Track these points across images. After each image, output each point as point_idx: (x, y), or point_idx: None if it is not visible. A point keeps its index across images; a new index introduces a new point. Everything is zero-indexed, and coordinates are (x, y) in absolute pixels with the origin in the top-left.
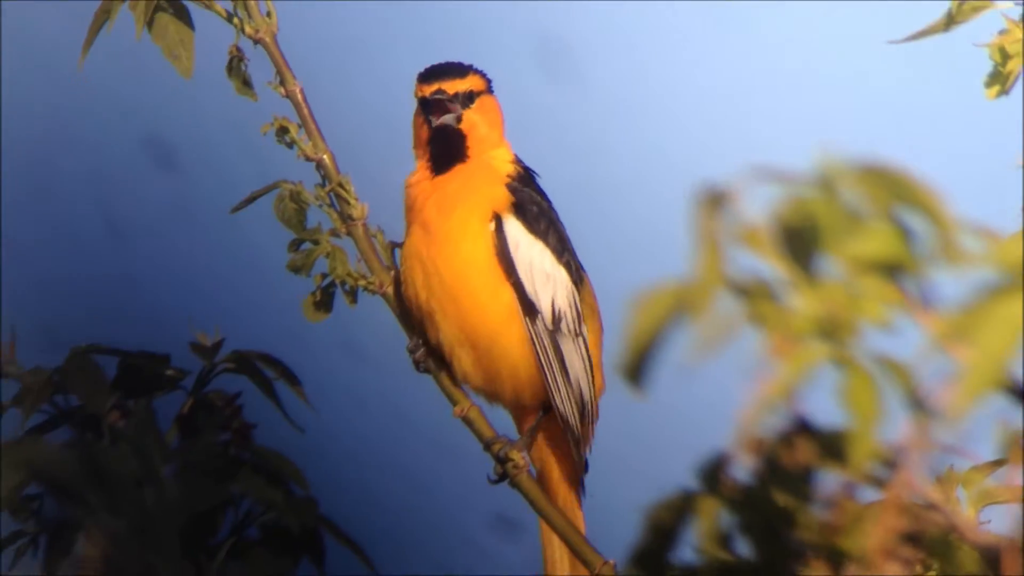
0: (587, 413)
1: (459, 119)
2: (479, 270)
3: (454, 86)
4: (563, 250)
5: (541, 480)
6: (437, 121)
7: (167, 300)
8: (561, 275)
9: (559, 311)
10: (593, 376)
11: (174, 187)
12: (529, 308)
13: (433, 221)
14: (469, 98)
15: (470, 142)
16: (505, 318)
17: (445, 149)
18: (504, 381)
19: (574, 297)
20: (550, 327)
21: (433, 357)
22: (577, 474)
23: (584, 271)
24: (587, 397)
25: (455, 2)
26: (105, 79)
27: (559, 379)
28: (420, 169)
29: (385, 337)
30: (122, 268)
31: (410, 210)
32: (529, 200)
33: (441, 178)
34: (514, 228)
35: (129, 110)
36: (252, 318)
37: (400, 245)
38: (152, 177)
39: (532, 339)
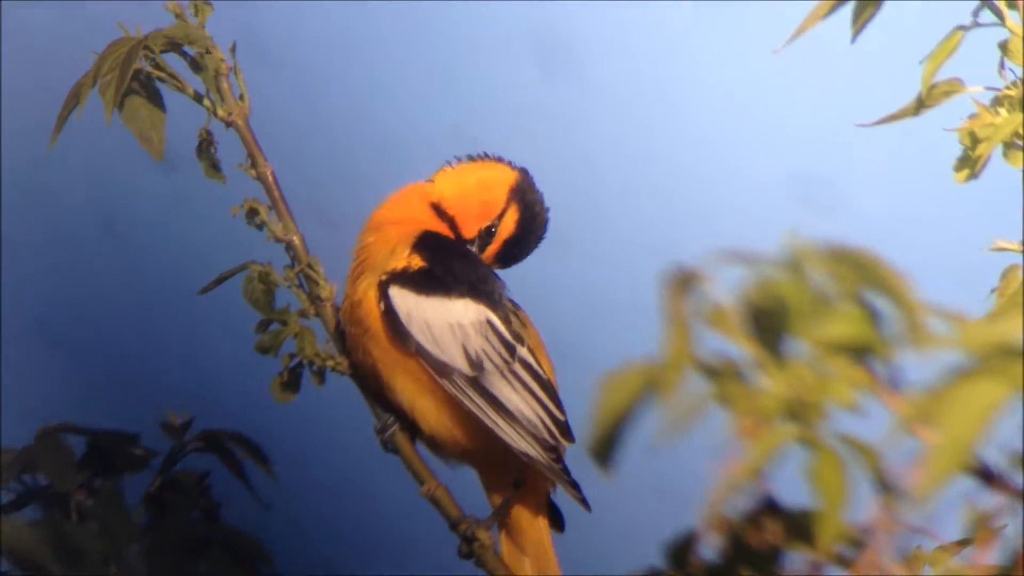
0: (548, 433)
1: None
2: (388, 338)
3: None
4: (462, 281)
5: (510, 532)
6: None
7: (137, 379)
8: (468, 315)
9: (476, 355)
10: (549, 396)
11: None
12: (440, 369)
13: (358, 283)
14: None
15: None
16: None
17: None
18: (461, 432)
19: (491, 329)
20: (471, 374)
21: (404, 425)
22: (545, 523)
23: (519, 309)
24: (540, 422)
25: (455, 2)
26: None
27: (500, 422)
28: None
29: (353, 416)
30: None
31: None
32: (427, 249)
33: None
34: (401, 298)
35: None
36: (222, 398)
37: None
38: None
39: (455, 398)
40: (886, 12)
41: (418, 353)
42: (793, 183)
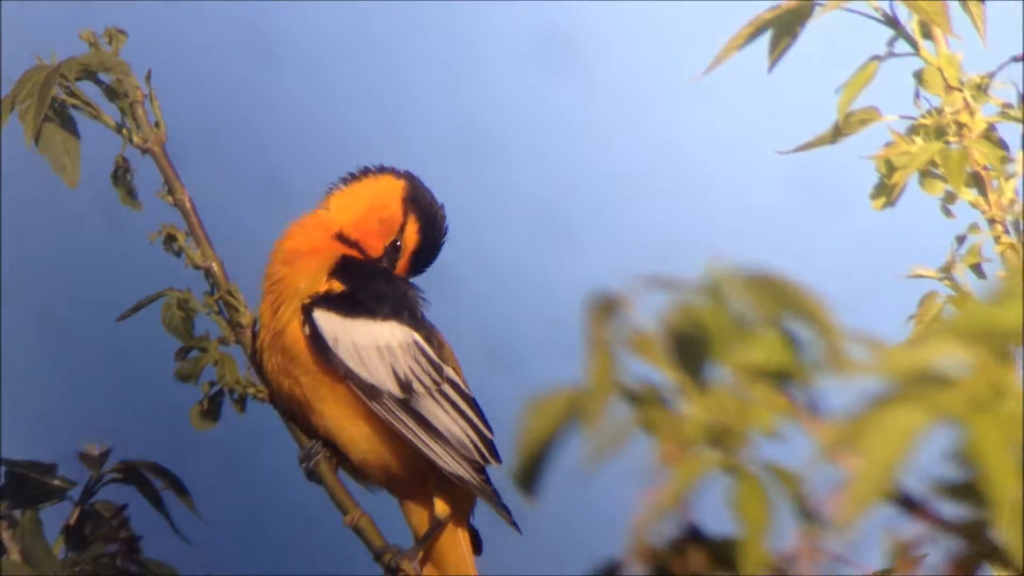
0: (479, 453)
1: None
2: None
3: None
4: (394, 306)
5: (431, 556)
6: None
7: (54, 407)
8: (396, 337)
9: (405, 376)
10: (476, 414)
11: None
12: (370, 392)
13: (278, 311)
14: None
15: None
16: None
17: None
18: (404, 448)
19: (419, 350)
20: (401, 396)
21: (330, 457)
22: (467, 543)
23: (439, 333)
24: (470, 443)
25: (458, 1)
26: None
27: (431, 443)
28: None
29: (275, 445)
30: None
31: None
32: (347, 273)
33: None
34: (327, 321)
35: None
36: (139, 426)
37: None
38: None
39: (385, 419)
40: (803, 41)
41: (346, 377)
42: (793, 178)
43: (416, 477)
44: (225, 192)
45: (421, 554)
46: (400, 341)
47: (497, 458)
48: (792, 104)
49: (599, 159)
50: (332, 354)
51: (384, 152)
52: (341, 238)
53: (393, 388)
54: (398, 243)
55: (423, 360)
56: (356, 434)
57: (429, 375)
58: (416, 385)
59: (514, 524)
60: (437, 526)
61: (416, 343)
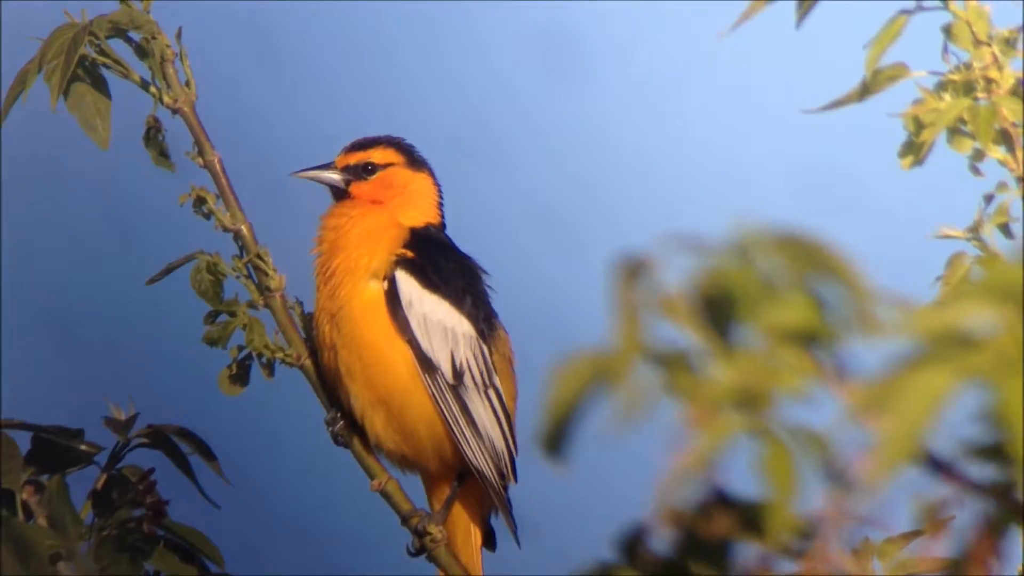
0: (503, 466)
1: (348, 182)
2: (377, 327)
3: (351, 158)
4: (467, 300)
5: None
6: (298, 175)
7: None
8: (463, 327)
9: (460, 364)
10: (509, 428)
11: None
12: (426, 364)
13: (333, 276)
14: (364, 170)
15: (385, 200)
16: (412, 373)
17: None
18: (423, 438)
19: (480, 348)
20: (452, 382)
21: (353, 428)
22: (478, 538)
23: (498, 321)
24: (500, 449)
25: (461, 2)
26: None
27: (467, 433)
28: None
29: (303, 410)
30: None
31: (316, 253)
32: (427, 252)
33: (344, 227)
34: (407, 284)
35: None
36: (167, 391)
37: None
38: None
39: (432, 395)
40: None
41: (409, 341)
42: (797, 176)
43: (430, 467)
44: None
45: (446, 517)
46: (465, 331)
47: (515, 478)
48: (813, 60)
49: (602, 161)
50: (402, 314)
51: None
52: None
53: (447, 370)
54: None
55: (480, 357)
56: (375, 419)
57: (481, 372)
58: (467, 377)
59: (517, 539)
60: (456, 489)
61: (477, 339)
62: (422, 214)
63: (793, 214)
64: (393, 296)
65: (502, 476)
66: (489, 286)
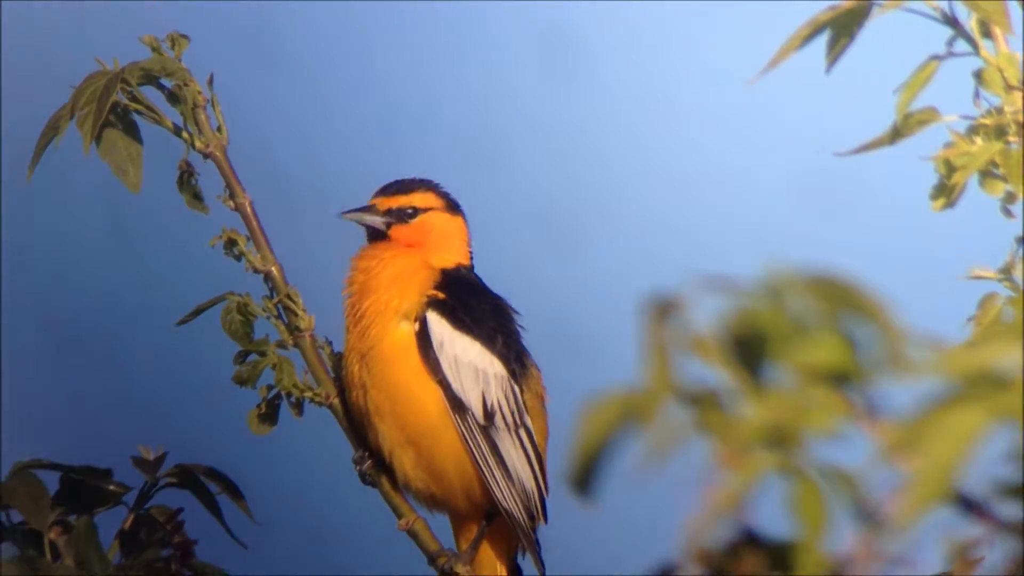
0: (532, 507)
1: (389, 225)
2: (408, 368)
3: (390, 202)
4: (498, 340)
5: None
6: (346, 216)
7: (110, 412)
8: (494, 368)
9: (491, 405)
10: (540, 469)
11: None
12: (457, 405)
13: (364, 317)
14: (403, 215)
15: (417, 244)
16: (442, 413)
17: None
18: (452, 479)
19: (511, 388)
20: (483, 422)
21: (380, 468)
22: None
23: (530, 360)
24: (530, 489)
25: (462, 2)
26: None
27: (497, 474)
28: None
29: (331, 450)
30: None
31: (347, 294)
32: (458, 293)
33: (375, 269)
34: (438, 325)
35: None
36: (196, 431)
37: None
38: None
39: (463, 436)
40: (862, 42)
41: (440, 383)
42: (801, 181)
43: (459, 507)
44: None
45: (473, 557)
46: (496, 372)
47: (545, 518)
48: (841, 105)
49: (602, 161)
50: (433, 355)
51: (389, 155)
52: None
53: (478, 411)
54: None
55: (511, 397)
56: (404, 458)
57: (513, 412)
58: (498, 418)
59: None
60: (485, 529)
61: (509, 380)
62: (453, 256)
63: (805, 212)
64: (424, 337)
65: (532, 517)
66: (521, 325)
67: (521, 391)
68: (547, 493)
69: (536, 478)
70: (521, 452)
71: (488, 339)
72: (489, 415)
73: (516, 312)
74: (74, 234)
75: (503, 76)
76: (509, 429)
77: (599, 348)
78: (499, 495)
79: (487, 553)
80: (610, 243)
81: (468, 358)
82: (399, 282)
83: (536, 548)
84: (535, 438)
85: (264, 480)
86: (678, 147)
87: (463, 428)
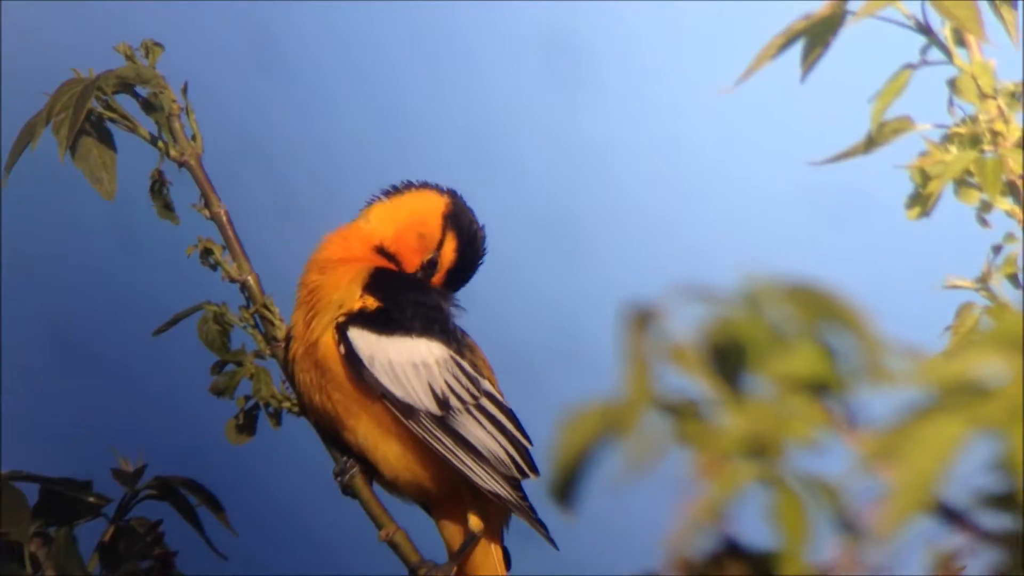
0: (516, 468)
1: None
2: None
3: None
4: (432, 326)
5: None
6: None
7: (88, 423)
8: (433, 352)
9: (441, 393)
10: (514, 427)
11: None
12: (406, 410)
13: (309, 326)
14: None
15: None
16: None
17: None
18: (440, 462)
19: (456, 366)
20: (439, 413)
21: (365, 471)
22: (501, 563)
23: (468, 337)
24: (508, 458)
25: (464, 3)
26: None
27: (468, 462)
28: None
29: (310, 459)
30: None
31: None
32: (386, 290)
33: (317, 280)
34: (361, 339)
35: None
36: (175, 442)
37: None
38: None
39: (422, 439)
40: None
41: (382, 396)
42: (807, 189)
43: (449, 494)
44: (230, 202)
45: (455, 569)
46: (437, 357)
47: (535, 470)
48: (816, 112)
49: (609, 168)
50: (367, 372)
51: (392, 161)
52: (379, 250)
53: (430, 405)
54: (435, 259)
55: (460, 375)
56: (388, 452)
57: (467, 390)
58: (453, 401)
59: (550, 540)
60: (471, 540)
61: (452, 358)
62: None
63: (808, 220)
64: (352, 357)
65: (517, 485)
66: (456, 304)
67: (467, 361)
68: (531, 443)
69: (512, 438)
70: (488, 423)
71: (422, 328)
72: (443, 403)
73: (446, 295)
74: (74, 238)
75: (507, 82)
76: (468, 407)
77: (603, 356)
78: (479, 481)
79: (482, 546)
80: (614, 250)
81: (404, 358)
82: (336, 289)
83: (532, 514)
84: (498, 397)
85: (243, 490)
86: (684, 154)
87: (419, 431)
